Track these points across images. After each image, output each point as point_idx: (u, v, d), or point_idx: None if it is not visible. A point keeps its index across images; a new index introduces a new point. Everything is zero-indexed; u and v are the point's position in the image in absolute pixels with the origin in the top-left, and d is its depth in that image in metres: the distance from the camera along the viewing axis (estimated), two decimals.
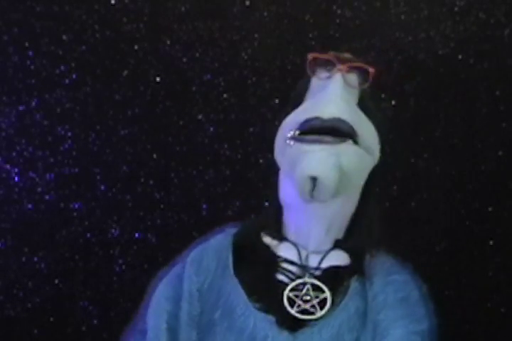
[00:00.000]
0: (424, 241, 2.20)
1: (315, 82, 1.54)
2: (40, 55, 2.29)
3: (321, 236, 1.50)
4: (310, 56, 1.53)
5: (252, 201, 2.23)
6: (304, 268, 1.49)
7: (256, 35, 2.26)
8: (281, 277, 1.48)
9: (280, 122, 1.53)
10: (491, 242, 2.21)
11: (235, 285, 1.47)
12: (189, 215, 2.28)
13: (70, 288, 2.29)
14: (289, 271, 1.48)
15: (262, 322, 1.43)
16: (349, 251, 1.51)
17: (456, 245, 2.21)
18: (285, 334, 1.42)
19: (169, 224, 2.29)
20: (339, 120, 1.45)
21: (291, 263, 1.49)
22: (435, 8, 2.24)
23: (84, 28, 2.28)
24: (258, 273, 1.49)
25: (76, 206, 2.29)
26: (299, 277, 1.48)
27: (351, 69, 1.50)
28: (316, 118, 1.46)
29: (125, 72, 2.29)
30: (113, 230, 2.29)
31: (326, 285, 1.46)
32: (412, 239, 2.20)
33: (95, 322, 2.29)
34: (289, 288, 1.46)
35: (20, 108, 2.29)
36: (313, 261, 1.50)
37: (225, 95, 2.27)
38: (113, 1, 2.29)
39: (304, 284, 1.47)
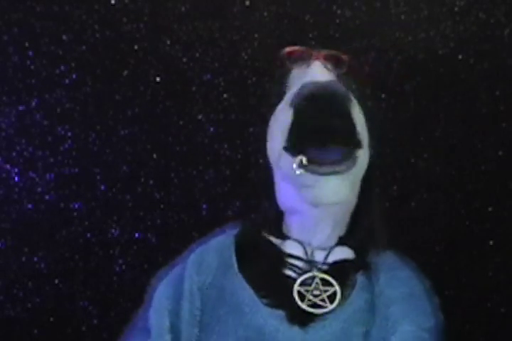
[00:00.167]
0: (424, 241, 2.20)
1: (294, 74, 1.55)
2: (40, 55, 2.29)
3: (326, 233, 1.51)
4: (285, 50, 1.54)
5: (252, 201, 2.23)
6: (311, 263, 1.49)
7: (256, 35, 2.26)
8: (288, 272, 1.48)
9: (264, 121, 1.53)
10: (491, 242, 2.21)
11: (241, 283, 1.47)
12: (189, 215, 2.28)
13: (70, 288, 2.29)
14: (296, 266, 1.48)
15: (272, 318, 1.43)
16: (353, 247, 1.52)
17: (456, 245, 2.21)
18: (295, 328, 1.42)
19: (169, 224, 2.29)
20: (334, 82, 1.46)
21: (297, 258, 1.49)
22: (435, 8, 2.24)
23: (84, 28, 2.28)
24: (265, 269, 1.49)
25: (76, 206, 2.29)
26: (307, 272, 1.48)
27: (327, 58, 1.52)
28: (312, 82, 1.46)
29: (125, 72, 2.29)
30: (113, 230, 2.29)
31: (335, 279, 1.46)
32: (412, 239, 2.20)
33: (95, 322, 2.29)
34: (298, 282, 1.46)
35: (20, 108, 2.29)
36: (319, 257, 1.50)
37: (225, 95, 2.27)
38: (113, 1, 2.29)
39: (313, 278, 1.47)
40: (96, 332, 2.28)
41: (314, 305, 1.44)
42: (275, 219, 1.54)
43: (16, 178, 2.29)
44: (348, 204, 1.52)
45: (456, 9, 2.24)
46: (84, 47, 2.29)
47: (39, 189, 2.29)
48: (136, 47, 2.29)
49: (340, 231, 1.53)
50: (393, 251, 1.57)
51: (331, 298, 1.45)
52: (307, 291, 1.45)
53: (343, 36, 2.24)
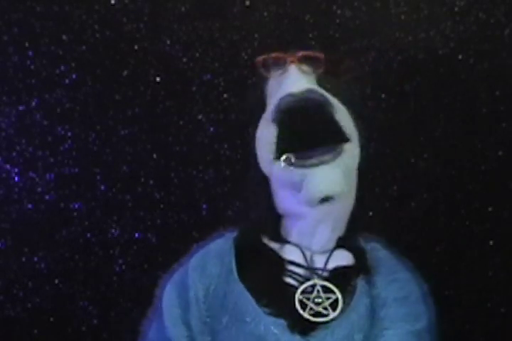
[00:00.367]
0: (424, 241, 2.20)
1: (271, 83, 1.55)
2: (40, 55, 2.29)
3: (326, 236, 1.50)
4: (259, 59, 1.54)
5: (250, 203, 2.23)
6: (311, 269, 1.48)
7: (256, 35, 2.26)
8: (289, 280, 1.47)
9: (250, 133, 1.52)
10: (491, 242, 2.21)
11: (242, 290, 1.46)
12: (189, 215, 2.28)
13: (70, 288, 2.29)
14: (297, 274, 1.47)
15: (273, 327, 1.42)
16: (352, 250, 1.51)
17: (456, 245, 2.21)
18: (297, 337, 1.41)
19: (169, 224, 2.29)
20: (311, 91, 1.46)
21: (297, 265, 1.48)
22: (435, 8, 2.24)
23: (84, 28, 2.28)
24: (265, 277, 1.48)
25: (76, 206, 2.29)
26: (308, 279, 1.47)
27: (302, 59, 1.52)
28: (288, 95, 1.46)
29: (125, 72, 2.29)
30: (113, 230, 2.29)
31: (335, 285, 1.46)
32: (412, 239, 2.20)
33: (95, 322, 2.29)
34: (299, 290, 1.45)
35: (20, 108, 2.29)
36: (318, 262, 1.49)
37: (225, 95, 2.27)
38: (113, 1, 2.29)
39: (314, 286, 1.46)
40: (96, 332, 2.28)
41: (316, 314, 1.43)
42: (273, 223, 1.53)
43: (16, 178, 2.29)
44: (346, 203, 1.51)
45: (456, 9, 2.23)
46: (84, 47, 2.29)
47: (39, 189, 2.29)
48: (136, 47, 2.29)
49: (340, 231, 1.52)
50: (392, 250, 1.57)
51: (333, 305, 1.44)
52: (308, 299, 1.44)
53: (343, 36, 2.24)
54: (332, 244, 1.51)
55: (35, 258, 2.29)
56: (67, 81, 2.29)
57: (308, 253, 1.49)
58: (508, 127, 2.22)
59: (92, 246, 2.30)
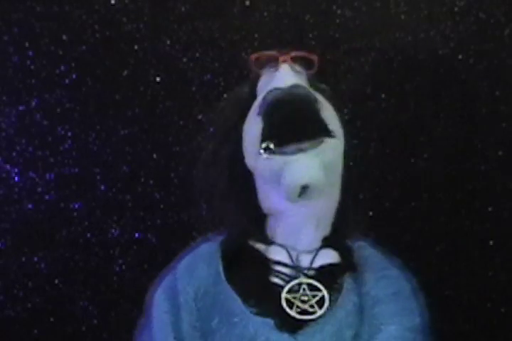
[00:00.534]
0: (424, 241, 2.20)
1: (263, 80, 1.56)
2: (40, 55, 2.29)
3: (310, 236, 1.51)
4: (252, 56, 1.55)
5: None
6: (297, 268, 1.49)
7: (256, 35, 2.26)
8: (275, 280, 1.48)
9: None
10: (491, 242, 2.21)
11: (229, 292, 1.47)
12: (189, 215, 2.28)
13: (70, 288, 2.29)
14: (283, 273, 1.48)
15: (262, 327, 1.42)
16: (338, 249, 1.52)
17: (456, 245, 2.21)
18: (285, 336, 1.42)
19: (169, 224, 2.29)
20: (298, 86, 1.47)
21: (283, 265, 1.49)
22: (435, 8, 2.24)
23: (84, 28, 2.28)
24: (252, 278, 1.48)
25: (76, 206, 2.29)
26: (294, 278, 1.47)
27: (294, 59, 1.52)
28: (275, 88, 1.47)
29: (125, 72, 2.29)
30: (113, 230, 2.29)
31: (321, 283, 1.46)
32: (412, 239, 2.20)
33: (95, 322, 2.29)
34: (285, 289, 1.46)
35: (20, 108, 2.29)
36: (304, 261, 1.50)
37: (225, 95, 2.27)
38: (113, 1, 2.29)
39: (300, 284, 1.47)
40: (96, 332, 2.28)
41: (303, 312, 1.44)
42: (258, 223, 1.54)
43: (16, 178, 2.29)
44: (329, 202, 1.51)
45: (456, 9, 2.23)
46: (84, 47, 2.28)
47: (39, 189, 2.29)
48: (136, 47, 2.29)
49: (325, 231, 1.53)
50: (379, 248, 1.57)
51: (320, 303, 1.45)
52: (295, 298, 1.45)
53: (343, 36, 2.24)
54: (317, 243, 1.52)
55: (35, 258, 2.29)
56: (67, 81, 2.29)
57: (294, 253, 1.50)
58: (508, 127, 2.22)
59: (92, 246, 2.29)
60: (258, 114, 1.49)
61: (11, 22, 2.28)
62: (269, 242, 1.52)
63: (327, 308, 1.44)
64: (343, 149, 1.53)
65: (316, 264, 1.50)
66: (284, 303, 1.44)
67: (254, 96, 1.57)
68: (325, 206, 1.51)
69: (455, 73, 2.23)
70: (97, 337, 2.28)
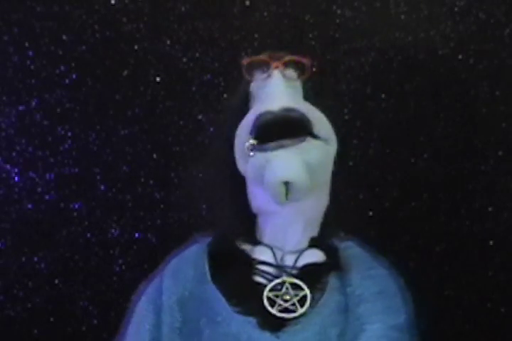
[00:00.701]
0: (424, 241, 2.20)
1: (255, 86, 1.56)
2: (40, 55, 2.29)
3: (297, 236, 1.51)
4: (244, 61, 1.55)
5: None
6: (281, 268, 1.49)
7: (256, 35, 2.26)
8: (259, 279, 1.49)
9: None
10: (491, 242, 2.21)
11: (214, 292, 1.48)
12: (189, 215, 2.28)
13: (70, 288, 2.29)
14: (266, 272, 1.49)
15: (244, 325, 1.44)
16: (324, 249, 1.52)
17: (456, 245, 2.21)
18: (267, 335, 1.42)
19: (169, 224, 2.29)
20: (289, 109, 1.47)
21: (267, 264, 1.49)
22: (435, 8, 2.24)
23: (84, 28, 2.28)
24: (235, 278, 1.50)
25: (76, 206, 2.29)
26: (277, 277, 1.48)
27: (287, 64, 1.52)
28: (266, 112, 1.47)
29: (125, 72, 2.29)
30: (113, 230, 2.29)
31: (304, 282, 1.47)
32: (412, 239, 2.20)
33: (95, 322, 2.29)
34: (267, 288, 1.47)
35: (20, 108, 2.29)
36: (289, 261, 1.51)
37: (225, 95, 2.27)
38: (113, 1, 2.29)
39: (283, 283, 1.47)
40: (96, 332, 2.28)
41: (285, 310, 1.45)
42: (248, 223, 1.54)
43: (16, 178, 2.29)
44: (317, 203, 1.52)
45: (456, 9, 2.23)
46: (84, 47, 2.28)
47: (39, 189, 2.29)
48: (136, 47, 2.29)
49: (312, 232, 1.53)
50: (366, 247, 1.57)
51: (302, 301, 1.46)
52: (277, 297, 1.46)
53: (343, 36, 2.24)
54: (304, 244, 1.52)
55: (35, 258, 2.29)
56: (67, 81, 2.29)
57: (279, 253, 1.51)
58: (508, 127, 2.22)
59: (92, 246, 2.29)
60: (250, 133, 1.49)
61: (11, 22, 2.28)
62: (256, 242, 1.53)
63: (310, 307, 1.45)
64: (332, 154, 1.52)
65: (300, 264, 1.50)
66: (265, 302, 1.45)
67: (246, 101, 1.56)
68: (313, 208, 1.51)
69: (455, 73, 2.23)
70: (97, 337, 2.28)
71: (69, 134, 2.30)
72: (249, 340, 1.42)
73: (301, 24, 2.25)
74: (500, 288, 2.19)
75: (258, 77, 1.55)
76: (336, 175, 1.56)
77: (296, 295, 1.46)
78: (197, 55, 2.28)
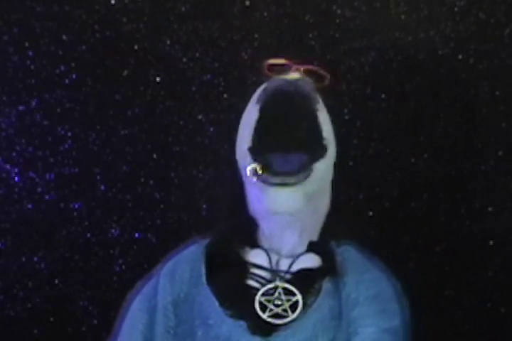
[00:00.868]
0: (424, 241, 2.20)
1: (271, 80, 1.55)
2: (40, 55, 2.29)
3: (294, 241, 1.50)
4: (267, 62, 1.54)
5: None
6: (275, 272, 1.49)
7: (256, 35, 2.26)
8: (252, 283, 1.48)
9: None
10: (491, 242, 2.21)
11: (208, 294, 1.48)
12: (189, 215, 2.28)
13: (70, 288, 2.29)
14: (260, 276, 1.48)
15: (235, 329, 1.44)
16: (321, 254, 1.51)
17: (456, 245, 2.21)
18: (258, 339, 1.42)
19: (169, 224, 2.29)
20: (303, 80, 1.46)
21: (261, 268, 1.49)
22: (435, 8, 2.24)
23: (84, 28, 2.28)
24: (229, 280, 1.49)
25: (76, 206, 2.29)
26: (270, 282, 1.47)
27: (307, 71, 1.52)
28: (279, 78, 1.46)
29: (125, 72, 2.29)
30: (113, 230, 2.29)
31: (297, 288, 1.46)
32: (412, 239, 2.20)
33: (95, 322, 2.29)
34: (260, 292, 1.46)
35: (20, 108, 2.29)
36: (284, 265, 1.50)
37: (225, 95, 2.27)
38: (113, 1, 2.28)
39: (276, 288, 1.47)
40: (96, 332, 2.28)
41: (276, 316, 1.44)
42: (246, 227, 1.54)
43: (16, 178, 2.29)
44: (318, 210, 1.51)
45: (456, 9, 2.23)
46: (84, 47, 2.28)
47: (39, 189, 2.29)
48: (136, 47, 2.29)
49: (311, 236, 1.52)
50: (363, 250, 1.57)
51: (293, 307, 1.45)
52: (269, 301, 1.45)
53: (343, 36, 2.24)
54: (302, 248, 1.51)
55: (35, 258, 2.29)
56: (67, 81, 2.29)
57: (275, 257, 1.50)
58: (508, 127, 2.22)
59: (92, 246, 2.29)
60: (257, 101, 1.49)
61: (11, 22, 2.28)
62: (254, 245, 1.52)
63: (302, 313, 1.45)
64: (333, 160, 1.52)
65: (294, 268, 1.50)
66: (257, 306, 1.45)
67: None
68: (311, 214, 1.50)
69: (455, 73, 2.23)
70: (97, 337, 2.27)
71: (69, 134, 2.30)
72: None
73: (301, 24, 2.25)
74: (500, 288, 2.19)
75: (276, 74, 1.55)
76: (336, 181, 1.55)
77: (288, 301, 1.45)
78: (197, 55, 2.28)
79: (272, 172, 1.43)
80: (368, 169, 2.19)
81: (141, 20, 2.28)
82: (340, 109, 2.16)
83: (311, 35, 2.25)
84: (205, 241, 1.58)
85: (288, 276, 1.49)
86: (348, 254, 1.54)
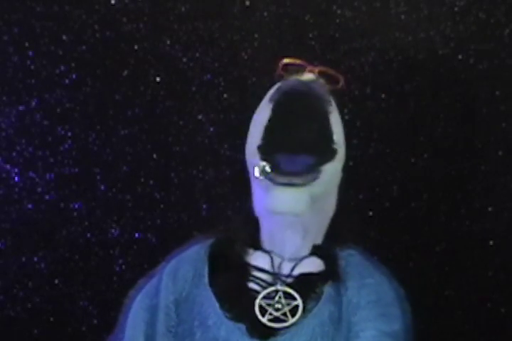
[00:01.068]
0: (424, 241, 2.20)
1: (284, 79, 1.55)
2: (40, 55, 2.29)
3: (296, 243, 1.49)
4: (282, 61, 1.54)
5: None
6: (276, 276, 1.48)
7: (256, 35, 2.26)
8: (253, 285, 1.48)
9: None
10: (491, 242, 2.21)
11: (209, 295, 1.47)
12: (189, 215, 2.28)
13: (70, 288, 2.29)
14: (261, 279, 1.48)
15: (234, 332, 1.43)
16: (324, 258, 1.51)
17: (456, 245, 2.21)
18: None
19: (169, 224, 2.29)
20: (317, 82, 1.46)
21: (263, 271, 1.48)
22: (435, 8, 2.24)
23: (84, 28, 2.28)
24: (230, 283, 1.48)
25: (76, 206, 2.29)
26: (271, 285, 1.47)
27: (321, 73, 1.51)
28: (293, 79, 1.46)
29: (125, 72, 2.29)
30: (113, 230, 2.29)
31: (298, 292, 1.45)
32: (412, 239, 2.20)
33: (95, 322, 2.29)
34: (260, 296, 1.45)
35: (20, 108, 2.29)
36: (286, 269, 1.49)
37: (225, 95, 2.27)
38: (113, 1, 2.29)
39: (276, 292, 1.46)
40: (96, 332, 2.28)
41: (275, 320, 1.44)
42: (250, 228, 1.53)
43: (16, 178, 2.29)
44: (322, 213, 1.50)
45: (456, 9, 2.23)
46: (84, 47, 2.28)
47: (39, 189, 2.29)
48: (136, 47, 2.29)
49: (314, 240, 1.51)
50: (367, 254, 1.56)
51: (293, 311, 1.44)
52: (269, 305, 1.45)
53: (343, 36, 2.24)
54: (306, 251, 1.50)
55: (35, 258, 2.29)
56: (67, 81, 2.29)
57: (277, 260, 1.49)
58: (508, 127, 2.22)
59: (92, 246, 2.30)
60: (270, 99, 1.48)
61: (11, 22, 2.28)
62: (258, 247, 1.52)
63: (301, 317, 1.44)
64: (341, 163, 1.51)
65: (296, 272, 1.49)
66: (257, 310, 1.44)
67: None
68: (315, 217, 1.49)
69: (455, 73, 2.23)
70: (97, 337, 2.27)
71: (69, 134, 2.30)
72: None
73: (301, 24, 2.25)
74: (500, 288, 2.19)
75: (290, 75, 1.54)
76: (343, 184, 1.54)
77: (288, 305, 1.44)
78: (197, 55, 2.28)
79: (280, 172, 1.42)
80: (368, 169, 2.19)
81: (141, 20, 2.28)
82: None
83: (311, 35, 2.25)
84: (209, 241, 1.57)
85: (289, 280, 1.48)
86: (351, 259, 1.53)
